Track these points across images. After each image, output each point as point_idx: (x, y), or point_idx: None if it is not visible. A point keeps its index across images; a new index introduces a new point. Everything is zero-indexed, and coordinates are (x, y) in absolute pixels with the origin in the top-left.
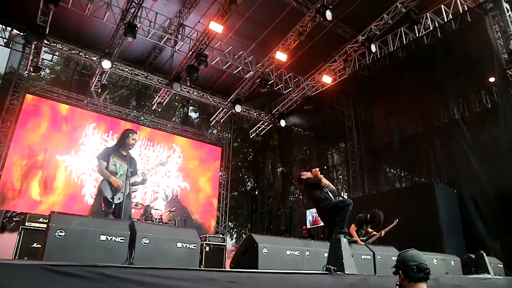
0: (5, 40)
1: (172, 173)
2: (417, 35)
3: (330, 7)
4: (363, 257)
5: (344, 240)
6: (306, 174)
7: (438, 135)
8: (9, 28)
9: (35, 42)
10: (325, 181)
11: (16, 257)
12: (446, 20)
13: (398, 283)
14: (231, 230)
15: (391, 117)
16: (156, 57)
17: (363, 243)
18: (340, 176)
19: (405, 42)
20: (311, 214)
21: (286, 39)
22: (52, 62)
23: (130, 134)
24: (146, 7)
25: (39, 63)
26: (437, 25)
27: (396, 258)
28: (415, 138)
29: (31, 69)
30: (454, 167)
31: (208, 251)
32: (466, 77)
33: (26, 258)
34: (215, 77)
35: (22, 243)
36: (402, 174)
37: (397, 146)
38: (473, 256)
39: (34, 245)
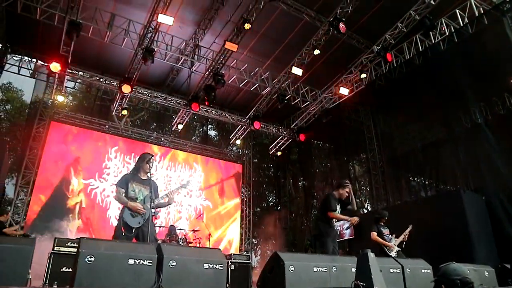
0: (30, 71)
1: (194, 192)
2: (433, 42)
3: (343, 19)
4: (391, 271)
5: (371, 255)
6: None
7: (461, 141)
8: (34, 60)
9: (58, 71)
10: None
11: (47, 283)
12: (462, 24)
13: None
14: (255, 247)
15: (411, 125)
16: (174, 79)
17: (390, 243)
18: (363, 188)
19: (421, 49)
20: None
21: (301, 54)
22: (74, 89)
23: (144, 157)
24: (162, 31)
25: (63, 91)
26: (453, 30)
27: (426, 270)
28: (437, 145)
29: (55, 97)
30: (480, 173)
31: (234, 269)
32: (487, 80)
33: (56, 283)
34: (232, 95)
35: (52, 267)
36: (426, 183)
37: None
38: (508, 265)
39: (64, 269)
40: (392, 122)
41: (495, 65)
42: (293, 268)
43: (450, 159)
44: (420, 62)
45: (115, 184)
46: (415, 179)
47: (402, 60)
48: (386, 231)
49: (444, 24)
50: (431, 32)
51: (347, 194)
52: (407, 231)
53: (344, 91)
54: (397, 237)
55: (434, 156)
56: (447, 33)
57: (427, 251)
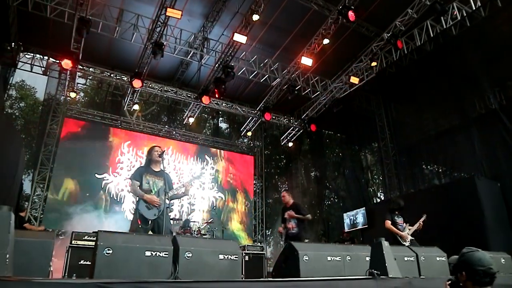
0: (42, 69)
1: (206, 184)
2: (445, 27)
3: (352, 7)
4: (406, 259)
5: (385, 243)
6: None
7: (475, 127)
8: (45, 57)
9: (70, 68)
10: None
11: (65, 275)
12: (474, 8)
13: (452, 280)
14: (268, 238)
15: (424, 112)
16: (183, 72)
17: (403, 233)
18: (375, 177)
19: (432, 35)
20: (348, 217)
21: (310, 43)
22: (86, 85)
23: (152, 149)
24: (171, 25)
25: (75, 88)
26: (465, 14)
27: (441, 258)
28: (451, 132)
29: (68, 94)
30: (496, 160)
31: (248, 260)
32: (501, 64)
33: (74, 275)
34: (242, 86)
35: (70, 260)
36: (440, 170)
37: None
38: None
39: (81, 262)
40: (404, 110)
41: (509, 48)
42: (307, 258)
43: (464, 146)
44: (432, 48)
45: (129, 178)
46: (429, 167)
47: (413, 47)
48: (400, 220)
49: (456, 8)
50: (442, 17)
51: (285, 202)
52: (421, 221)
53: (354, 80)
54: (411, 226)
55: (448, 143)
56: (459, 18)
57: (442, 239)
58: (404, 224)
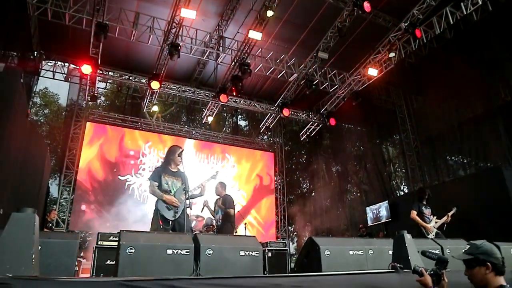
0: (64, 75)
1: (227, 182)
2: (465, 13)
3: None
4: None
5: (408, 236)
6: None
7: (501, 116)
8: (66, 64)
9: (90, 73)
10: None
11: (93, 275)
12: None
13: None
14: (292, 234)
15: (446, 102)
16: (200, 72)
17: (429, 226)
18: (398, 169)
19: (452, 22)
20: (371, 211)
21: (326, 37)
22: (106, 89)
23: (172, 148)
24: (186, 26)
25: (95, 92)
26: None
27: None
28: (475, 121)
29: (89, 99)
30: None
31: (271, 256)
32: None
33: (102, 275)
34: (259, 83)
35: (97, 261)
36: (465, 161)
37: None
38: None
39: (108, 262)
40: (425, 100)
41: None
42: (328, 252)
43: (489, 135)
44: (452, 36)
45: (148, 178)
46: (453, 158)
47: (432, 35)
48: (427, 211)
49: None
50: (462, 3)
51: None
52: (450, 214)
53: (373, 72)
54: (438, 218)
55: (472, 133)
56: (480, 2)
57: (468, 231)
58: (431, 216)
